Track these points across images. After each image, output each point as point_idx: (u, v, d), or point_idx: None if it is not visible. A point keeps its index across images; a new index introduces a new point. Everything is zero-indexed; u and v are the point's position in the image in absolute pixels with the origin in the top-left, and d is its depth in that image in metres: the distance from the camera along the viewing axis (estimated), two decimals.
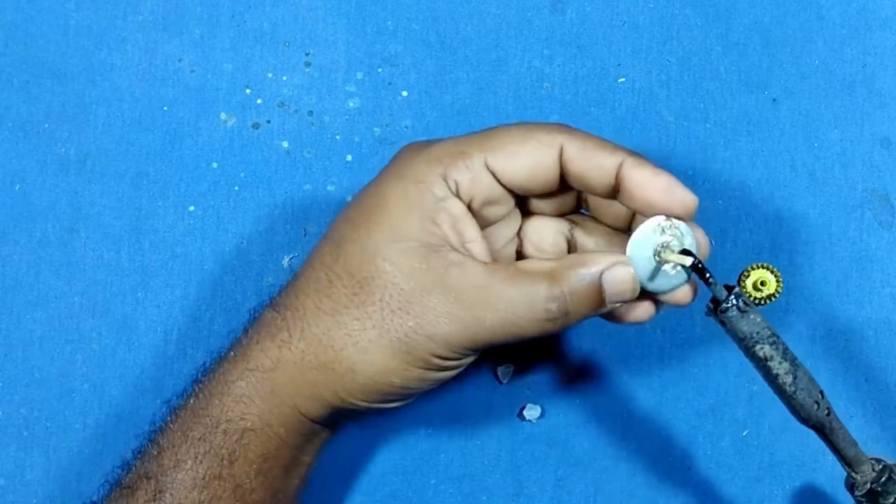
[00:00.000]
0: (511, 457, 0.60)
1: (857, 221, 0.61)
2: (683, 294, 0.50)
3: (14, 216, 0.60)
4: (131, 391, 0.60)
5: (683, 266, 0.48)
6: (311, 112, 0.61)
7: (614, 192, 0.49)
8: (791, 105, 0.61)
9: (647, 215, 0.49)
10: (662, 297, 0.50)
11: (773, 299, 0.60)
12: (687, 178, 0.61)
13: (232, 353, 0.51)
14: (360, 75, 0.61)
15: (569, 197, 0.52)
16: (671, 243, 0.48)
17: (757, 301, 0.60)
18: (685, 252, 0.48)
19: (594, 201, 0.52)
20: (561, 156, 0.49)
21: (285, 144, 0.61)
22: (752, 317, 0.48)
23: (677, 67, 0.61)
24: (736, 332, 0.48)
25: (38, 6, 0.61)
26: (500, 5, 0.61)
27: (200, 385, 0.51)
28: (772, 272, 0.60)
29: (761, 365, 0.49)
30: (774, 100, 0.61)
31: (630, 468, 0.60)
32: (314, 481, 0.59)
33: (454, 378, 0.51)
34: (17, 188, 0.60)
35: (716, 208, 0.61)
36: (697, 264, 0.48)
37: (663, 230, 0.48)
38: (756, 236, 0.61)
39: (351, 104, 0.61)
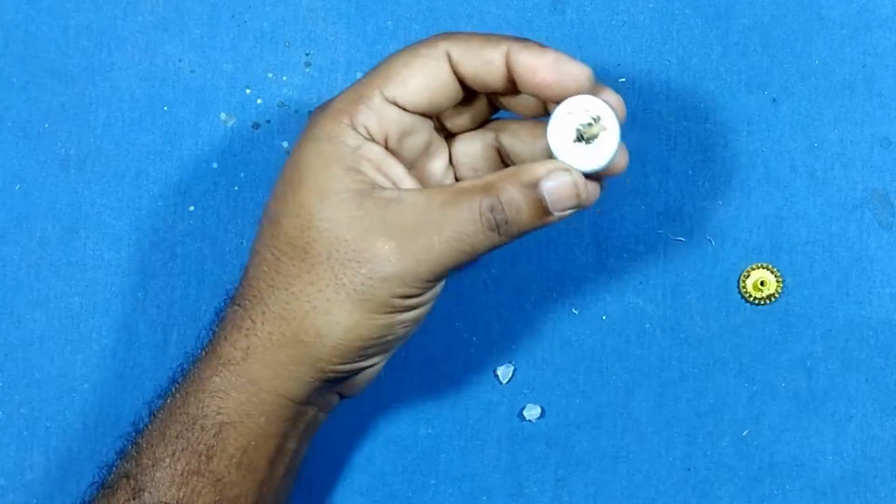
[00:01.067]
0: (511, 457, 0.60)
1: (857, 221, 0.61)
2: (618, 162, 0.48)
3: (14, 216, 0.60)
4: (131, 391, 0.60)
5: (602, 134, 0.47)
6: (311, 112, 0.61)
7: (512, 84, 0.48)
8: (791, 105, 0.61)
9: (550, 98, 0.47)
10: (603, 174, 0.48)
11: (773, 299, 0.60)
12: (687, 178, 0.61)
13: (203, 353, 0.51)
14: (359, 75, 0.61)
15: (480, 103, 0.52)
16: (587, 121, 0.47)
17: (757, 301, 0.60)
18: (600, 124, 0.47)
19: (504, 98, 0.51)
20: (451, 63, 0.48)
21: (285, 144, 0.61)
22: None
23: (677, 67, 0.61)
24: None
25: (38, 6, 0.61)
26: (500, 5, 0.61)
27: (177, 386, 0.51)
28: (772, 272, 0.60)
29: None
30: (774, 100, 0.61)
31: (630, 468, 0.60)
32: (314, 481, 0.59)
33: (426, 325, 0.50)
34: (17, 188, 0.60)
35: (716, 208, 0.61)
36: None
37: (570, 112, 0.47)
38: (756, 236, 0.61)
39: None
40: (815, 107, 0.61)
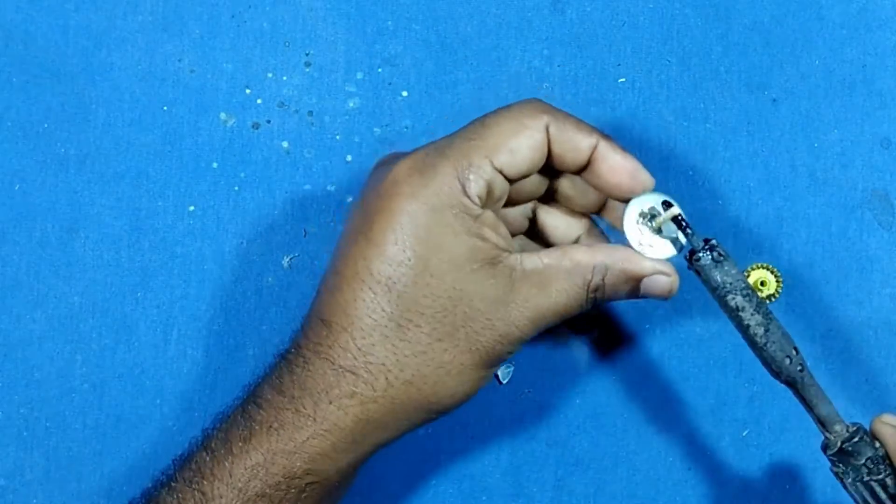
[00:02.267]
0: (511, 457, 0.60)
1: (857, 221, 0.61)
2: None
3: (14, 216, 0.60)
4: (131, 391, 0.60)
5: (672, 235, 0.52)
6: (311, 112, 0.61)
7: (581, 169, 0.52)
8: (791, 105, 0.61)
9: (613, 195, 0.53)
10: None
11: (773, 299, 0.60)
12: (687, 178, 0.61)
13: (290, 409, 0.50)
14: (360, 75, 0.61)
15: (543, 182, 0.54)
16: (657, 217, 0.53)
17: None
18: (676, 219, 0.52)
19: (564, 189, 0.55)
20: (547, 135, 0.51)
21: (285, 144, 0.61)
22: (726, 267, 0.51)
23: (677, 67, 0.61)
24: (709, 280, 0.51)
25: (38, 6, 0.61)
26: (500, 5, 0.61)
27: (250, 433, 0.50)
28: (772, 272, 0.60)
29: (733, 315, 0.51)
30: (774, 100, 0.61)
31: (630, 468, 0.60)
32: None
33: None
34: (17, 188, 0.60)
35: (716, 208, 0.61)
36: (678, 216, 0.52)
37: (643, 213, 0.53)
38: (756, 236, 0.61)
39: (351, 104, 0.61)
40: (815, 107, 0.61)
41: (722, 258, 0.51)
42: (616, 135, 0.61)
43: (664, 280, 0.52)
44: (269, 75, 0.61)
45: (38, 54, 0.61)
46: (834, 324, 0.60)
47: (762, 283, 0.60)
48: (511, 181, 0.51)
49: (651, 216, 0.52)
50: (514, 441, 0.60)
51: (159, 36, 0.61)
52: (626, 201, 0.53)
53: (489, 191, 0.50)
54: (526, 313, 0.50)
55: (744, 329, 0.51)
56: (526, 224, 0.55)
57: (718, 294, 0.51)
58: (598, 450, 0.60)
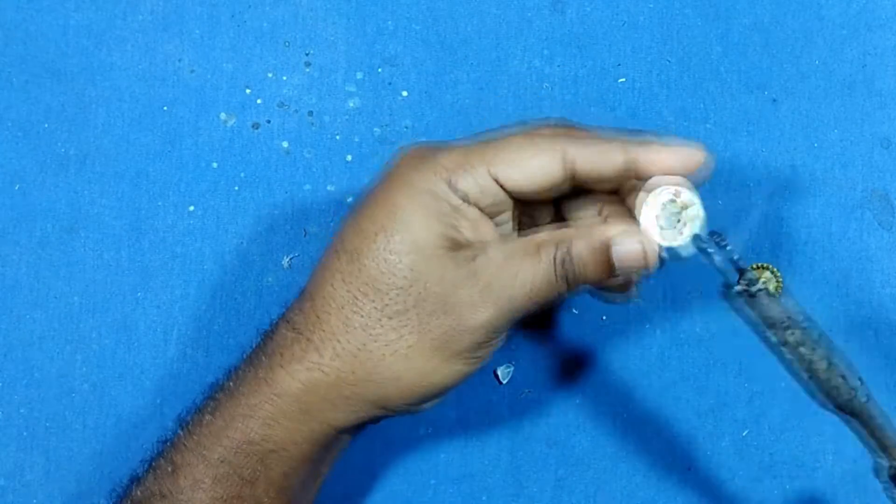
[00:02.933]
0: (511, 457, 0.60)
1: (857, 221, 0.61)
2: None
3: (14, 216, 0.60)
4: (131, 391, 0.60)
5: (701, 246, 0.49)
6: (311, 112, 0.61)
7: (620, 180, 0.50)
8: (791, 105, 0.61)
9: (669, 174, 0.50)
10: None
11: None
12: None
13: (251, 375, 0.51)
14: (360, 75, 0.61)
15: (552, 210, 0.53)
16: (687, 211, 0.49)
17: None
18: (712, 233, 0.49)
19: (570, 210, 0.53)
20: (565, 161, 0.49)
21: (285, 144, 0.61)
22: (782, 298, 0.46)
23: (677, 67, 0.61)
24: (765, 315, 0.46)
25: (38, 6, 0.61)
26: (500, 5, 0.61)
27: (217, 403, 0.51)
28: (772, 272, 0.60)
29: (791, 351, 0.46)
30: (774, 100, 0.61)
31: (630, 468, 0.60)
32: None
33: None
34: (17, 188, 0.60)
35: (716, 208, 0.61)
36: (726, 246, 0.48)
37: (671, 201, 0.49)
38: (756, 236, 0.61)
39: (351, 104, 0.61)
40: (815, 107, 0.61)
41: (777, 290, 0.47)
42: None
43: (635, 246, 0.49)
44: (269, 75, 0.61)
45: (38, 54, 0.61)
46: (834, 324, 0.61)
47: None
48: (512, 195, 0.50)
49: (677, 209, 0.49)
50: (514, 441, 0.60)
51: (159, 36, 0.61)
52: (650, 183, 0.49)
53: (479, 193, 0.49)
54: (489, 298, 0.49)
55: (805, 364, 0.46)
56: (552, 218, 0.54)
57: (775, 329, 0.46)
58: (598, 450, 0.60)
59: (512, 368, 0.61)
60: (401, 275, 0.49)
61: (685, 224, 0.49)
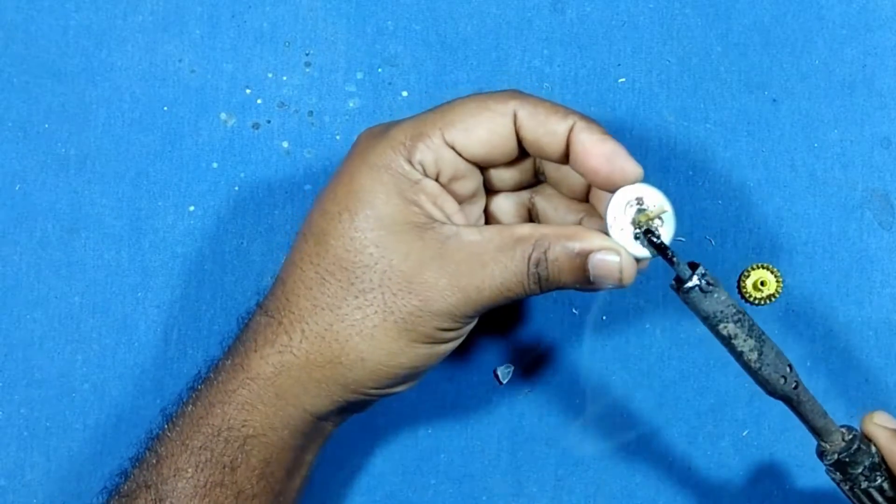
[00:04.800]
0: (511, 457, 0.60)
1: (857, 221, 0.61)
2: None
3: (14, 216, 0.60)
4: (131, 391, 0.60)
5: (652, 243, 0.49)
6: (311, 112, 0.61)
7: (566, 157, 0.50)
8: (791, 105, 0.61)
9: (596, 184, 0.49)
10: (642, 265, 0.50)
11: (773, 299, 0.60)
12: (687, 178, 0.61)
13: (229, 362, 0.51)
14: (360, 75, 0.61)
15: (527, 170, 0.53)
16: (646, 214, 0.49)
17: (757, 301, 0.60)
18: (648, 231, 0.48)
19: (550, 172, 0.52)
20: (516, 123, 0.49)
21: (285, 144, 0.61)
22: (715, 295, 0.48)
23: (677, 67, 0.61)
24: (699, 311, 0.48)
25: (38, 6, 0.61)
26: (500, 5, 0.61)
27: (198, 393, 0.51)
28: (772, 272, 0.60)
29: (726, 343, 0.49)
30: (774, 100, 0.61)
31: (630, 468, 0.60)
32: (314, 480, 0.59)
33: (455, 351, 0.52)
34: (17, 188, 0.60)
35: (716, 208, 0.61)
36: (658, 244, 0.48)
37: (630, 205, 0.49)
38: (756, 236, 0.61)
39: (351, 104, 0.61)
40: (815, 107, 0.61)
41: (711, 286, 0.48)
42: (616, 135, 0.61)
43: (613, 261, 0.48)
44: (269, 75, 0.61)
45: (38, 54, 0.61)
46: (834, 324, 0.60)
47: (762, 283, 0.60)
48: (471, 161, 0.50)
49: (637, 210, 0.49)
50: (514, 441, 0.60)
51: (159, 36, 0.61)
52: (613, 192, 0.49)
53: (436, 162, 0.49)
54: (457, 284, 0.48)
55: (737, 355, 0.49)
56: (524, 214, 0.54)
57: (710, 323, 0.49)
58: (598, 450, 0.60)
59: (512, 368, 0.61)
60: (366, 252, 0.48)
61: (655, 231, 0.49)
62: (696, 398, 0.61)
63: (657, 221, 0.49)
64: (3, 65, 0.61)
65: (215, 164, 0.61)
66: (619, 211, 0.48)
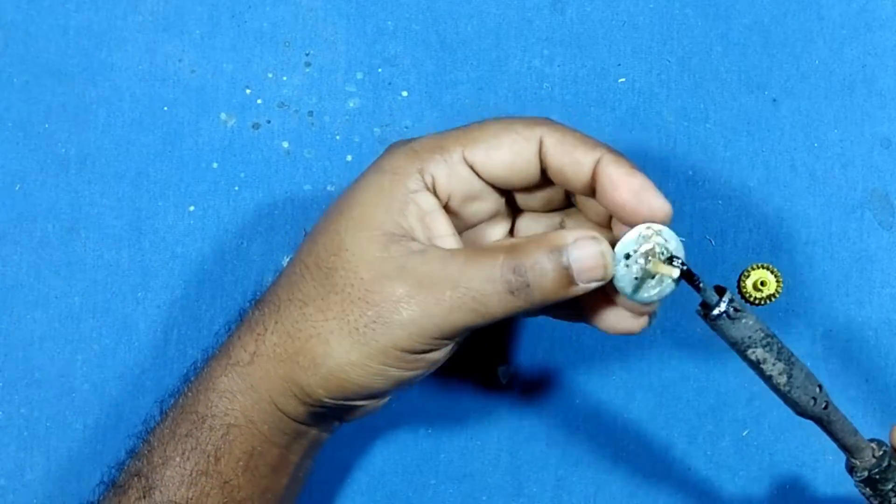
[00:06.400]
0: (511, 457, 0.60)
1: (857, 221, 0.61)
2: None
3: (14, 216, 0.60)
4: (131, 391, 0.60)
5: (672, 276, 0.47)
6: (311, 112, 0.61)
7: (592, 189, 0.48)
8: (791, 105, 0.61)
9: (622, 220, 0.47)
10: (649, 308, 0.49)
11: (773, 299, 0.60)
12: (687, 178, 0.61)
13: (218, 351, 0.51)
14: (360, 75, 0.61)
15: (556, 192, 0.51)
16: (656, 250, 0.47)
17: (757, 301, 0.60)
18: (670, 260, 0.47)
19: (580, 198, 0.51)
20: (541, 149, 0.48)
21: (285, 144, 0.61)
22: (743, 321, 0.47)
23: (677, 67, 0.61)
24: (727, 337, 0.47)
25: (38, 6, 0.61)
26: (500, 5, 0.61)
27: (189, 384, 0.52)
28: (772, 272, 0.60)
29: (754, 367, 0.48)
30: (774, 100, 0.61)
31: (630, 468, 0.60)
32: (314, 481, 0.59)
33: (434, 374, 0.50)
34: (17, 188, 0.60)
35: (716, 208, 0.61)
36: (686, 270, 0.47)
37: (646, 238, 0.47)
38: (756, 236, 0.61)
39: (351, 104, 0.61)
40: (815, 107, 0.61)
41: (739, 312, 0.46)
42: (616, 135, 0.61)
43: (592, 249, 0.46)
44: (269, 75, 0.61)
45: (38, 54, 0.61)
46: (834, 324, 0.60)
47: (762, 283, 0.60)
48: (489, 183, 0.49)
49: (648, 254, 0.47)
50: (514, 441, 0.60)
51: (159, 36, 0.61)
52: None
53: (450, 179, 0.48)
54: (415, 296, 0.46)
55: (766, 378, 0.48)
56: None
57: (738, 349, 0.47)
58: (598, 450, 0.60)
59: (512, 368, 0.61)
60: (341, 253, 0.47)
61: (657, 273, 0.47)
62: (696, 398, 0.61)
63: (671, 268, 0.47)
64: (3, 65, 0.61)
65: (215, 164, 0.61)
66: (631, 247, 0.46)
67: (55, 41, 0.61)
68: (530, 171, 0.48)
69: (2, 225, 0.60)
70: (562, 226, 0.52)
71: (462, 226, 0.50)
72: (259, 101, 0.61)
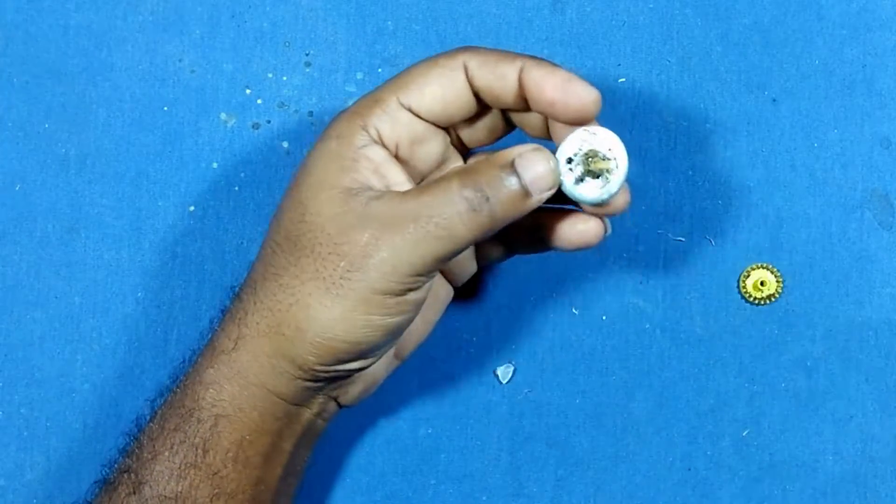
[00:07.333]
0: (511, 457, 0.60)
1: (857, 221, 0.61)
2: (618, 201, 0.49)
3: (14, 216, 0.60)
4: (131, 391, 0.60)
5: (607, 172, 0.48)
6: (311, 112, 0.61)
7: (523, 100, 0.49)
8: (791, 105, 0.61)
9: (557, 118, 0.48)
10: (598, 210, 0.50)
11: (773, 299, 0.60)
12: (687, 177, 0.61)
13: (205, 343, 0.52)
14: (360, 75, 0.61)
15: (495, 118, 0.52)
16: (597, 150, 0.48)
17: (757, 301, 0.60)
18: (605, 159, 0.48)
19: (517, 116, 0.51)
20: (468, 76, 0.49)
21: (285, 144, 0.61)
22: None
23: (677, 67, 0.61)
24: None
25: (38, 6, 0.61)
26: (500, 5, 0.61)
27: (177, 379, 0.52)
28: (772, 272, 0.60)
29: None
30: (774, 100, 0.61)
31: (630, 468, 0.60)
32: (313, 480, 0.59)
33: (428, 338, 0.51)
34: (17, 188, 0.60)
35: (716, 208, 0.61)
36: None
37: (584, 141, 0.48)
38: (756, 236, 0.61)
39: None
40: (815, 107, 0.61)
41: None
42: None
43: (538, 156, 0.47)
44: (269, 75, 0.61)
45: (38, 54, 0.61)
46: (834, 324, 0.60)
47: (762, 283, 0.60)
48: (430, 122, 0.50)
49: (589, 154, 0.48)
50: (514, 441, 0.60)
51: (159, 36, 0.61)
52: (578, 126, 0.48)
53: (393, 128, 0.49)
54: (379, 236, 0.46)
55: None
56: None
57: None
58: (598, 450, 0.60)
59: (512, 368, 0.61)
60: (304, 219, 0.48)
61: (607, 173, 0.48)
62: (696, 398, 0.61)
63: (611, 163, 0.48)
64: (3, 65, 0.61)
65: (215, 164, 0.61)
66: (572, 150, 0.48)
67: (55, 41, 0.61)
68: (464, 99, 0.49)
69: (2, 225, 0.60)
70: None
71: (416, 174, 0.51)
72: (259, 101, 0.61)
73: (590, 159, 0.48)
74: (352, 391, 0.52)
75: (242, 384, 0.50)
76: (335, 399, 0.53)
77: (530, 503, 0.60)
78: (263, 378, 0.50)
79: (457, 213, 0.47)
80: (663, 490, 0.60)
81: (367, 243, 0.47)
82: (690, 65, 0.61)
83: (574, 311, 0.61)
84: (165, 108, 0.61)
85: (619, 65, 0.61)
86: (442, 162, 0.52)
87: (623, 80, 0.61)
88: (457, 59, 0.49)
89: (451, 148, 0.52)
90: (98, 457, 0.59)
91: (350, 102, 0.61)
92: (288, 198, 0.50)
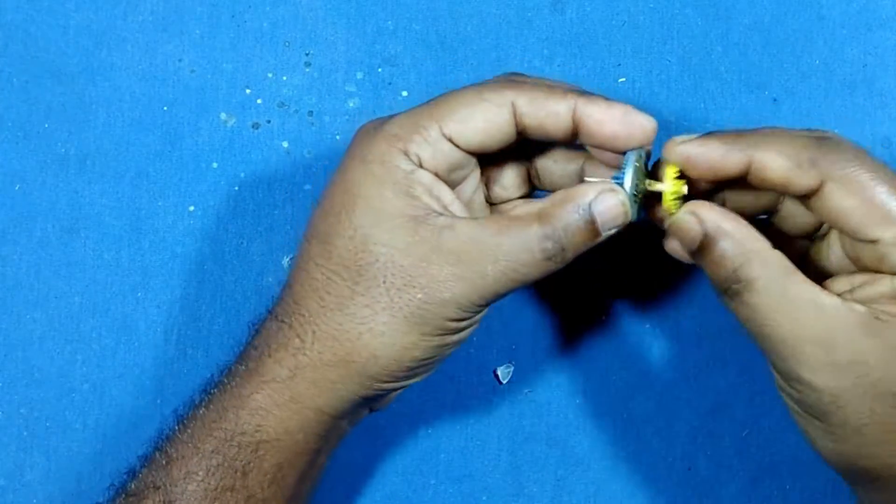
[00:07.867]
0: (511, 457, 0.60)
1: None
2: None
3: (14, 216, 0.60)
4: (131, 391, 0.60)
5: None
6: (311, 112, 0.61)
7: (574, 135, 0.49)
8: (791, 105, 0.61)
9: (614, 149, 0.49)
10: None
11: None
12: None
13: (243, 368, 0.51)
14: (360, 75, 0.61)
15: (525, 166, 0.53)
16: (640, 171, 0.49)
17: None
18: (653, 175, 0.49)
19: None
20: (514, 112, 0.49)
21: (285, 144, 0.61)
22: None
23: (677, 67, 0.61)
24: None
25: (38, 6, 0.61)
26: (500, 5, 0.61)
27: (210, 397, 0.51)
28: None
29: None
30: (774, 100, 0.61)
31: (630, 468, 0.60)
32: None
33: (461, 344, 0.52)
34: (17, 188, 0.60)
35: None
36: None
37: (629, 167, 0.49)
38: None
39: (351, 104, 0.61)
40: (816, 107, 0.61)
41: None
42: None
43: (614, 201, 0.48)
44: (269, 75, 0.61)
45: (38, 54, 0.61)
46: None
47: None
48: (468, 152, 0.50)
49: (636, 176, 0.49)
50: (514, 441, 0.60)
51: (159, 36, 0.61)
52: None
53: (434, 156, 0.49)
54: (459, 273, 0.48)
55: None
56: (524, 174, 0.54)
57: None
58: (598, 450, 0.60)
59: (512, 368, 0.61)
60: (367, 249, 0.48)
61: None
62: (696, 398, 0.61)
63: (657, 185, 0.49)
64: (3, 65, 0.61)
65: (215, 164, 0.61)
66: (633, 181, 0.49)
67: (55, 41, 0.61)
68: (507, 133, 0.50)
69: (2, 225, 0.60)
70: (529, 163, 0.53)
71: None
72: (259, 101, 0.61)
73: (639, 182, 0.49)
74: (391, 397, 0.53)
75: (294, 409, 0.50)
76: (371, 407, 0.54)
77: (530, 503, 0.60)
78: (320, 402, 0.50)
79: (534, 262, 0.48)
80: (663, 490, 0.60)
81: (446, 279, 0.48)
82: (690, 65, 0.61)
83: (574, 311, 0.61)
84: (165, 108, 0.61)
85: (619, 65, 0.61)
86: (466, 181, 0.52)
87: (623, 80, 0.61)
88: (504, 96, 0.49)
89: (476, 166, 0.52)
90: (98, 457, 0.59)
91: (350, 102, 0.61)
92: (334, 223, 0.49)
